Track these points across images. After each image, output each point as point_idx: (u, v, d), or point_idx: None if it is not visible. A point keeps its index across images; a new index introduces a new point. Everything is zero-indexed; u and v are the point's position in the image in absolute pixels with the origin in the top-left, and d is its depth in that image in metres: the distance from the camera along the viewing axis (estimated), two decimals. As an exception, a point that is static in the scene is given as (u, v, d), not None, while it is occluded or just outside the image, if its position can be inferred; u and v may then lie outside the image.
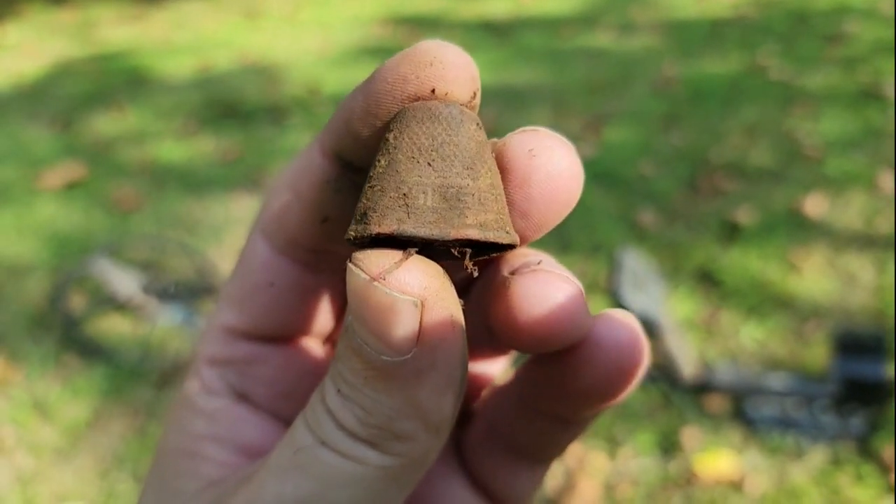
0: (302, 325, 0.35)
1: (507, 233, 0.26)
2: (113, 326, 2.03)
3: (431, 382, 0.26)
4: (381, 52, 4.19)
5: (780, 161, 2.50)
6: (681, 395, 1.60)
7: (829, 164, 2.43)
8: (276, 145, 3.10)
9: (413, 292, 0.24)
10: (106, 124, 3.45)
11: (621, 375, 0.29)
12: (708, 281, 1.95)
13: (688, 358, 1.63)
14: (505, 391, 0.35)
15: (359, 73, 3.79)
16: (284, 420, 0.36)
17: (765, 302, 1.85)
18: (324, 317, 0.36)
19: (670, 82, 3.25)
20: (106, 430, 1.72)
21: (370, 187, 0.26)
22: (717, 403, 1.57)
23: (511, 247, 0.27)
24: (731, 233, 2.14)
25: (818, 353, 1.67)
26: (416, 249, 0.25)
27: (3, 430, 1.73)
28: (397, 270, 0.24)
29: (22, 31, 5.35)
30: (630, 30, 4.04)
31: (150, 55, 4.45)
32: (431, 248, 0.26)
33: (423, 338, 0.25)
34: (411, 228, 0.25)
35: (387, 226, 0.25)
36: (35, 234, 2.53)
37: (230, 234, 2.42)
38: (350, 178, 0.31)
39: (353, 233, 0.26)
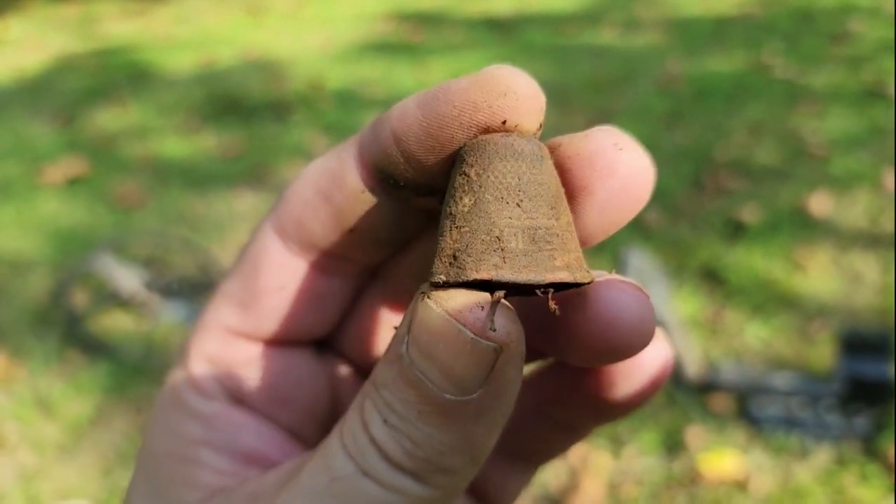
0: (307, 330, 0.34)
1: (588, 272, 0.26)
2: (116, 323, 2.03)
3: (489, 421, 0.26)
4: (385, 48, 4.18)
5: (785, 159, 2.49)
6: (685, 394, 1.60)
7: (834, 163, 2.42)
8: (280, 141, 3.09)
9: (497, 339, 0.24)
10: (108, 120, 3.45)
11: (649, 390, 0.30)
12: (712, 279, 1.95)
13: (692, 357, 1.63)
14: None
15: (362, 69, 3.80)
16: (281, 425, 0.35)
17: (769, 301, 1.84)
18: (329, 323, 0.35)
19: (675, 80, 3.24)
20: (109, 426, 1.71)
21: (457, 228, 0.25)
22: (721, 403, 1.57)
23: (588, 284, 0.27)
24: (736, 231, 2.13)
25: (823, 353, 1.66)
26: (504, 293, 0.24)
27: (6, 427, 1.73)
28: (484, 315, 0.24)
29: (24, 25, 5.34)
30: (634, 27, 4.03)
31: (153, 50, 4.44)
32: (514, 289, 0.26)
33: (492, 381, 0.25)
34: (509, 275, 0.25)
35: (485, 272, 0.25)
36: (37, 230, 2.52)
37: (233, 231, 2.41)
38: (388, 193, 0.30)
39: (443, 276, 0.25)
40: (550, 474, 1.46)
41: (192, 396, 0.34)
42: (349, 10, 4.98)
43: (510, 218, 0.25)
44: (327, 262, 0.32)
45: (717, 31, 3.81)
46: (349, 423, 0.27)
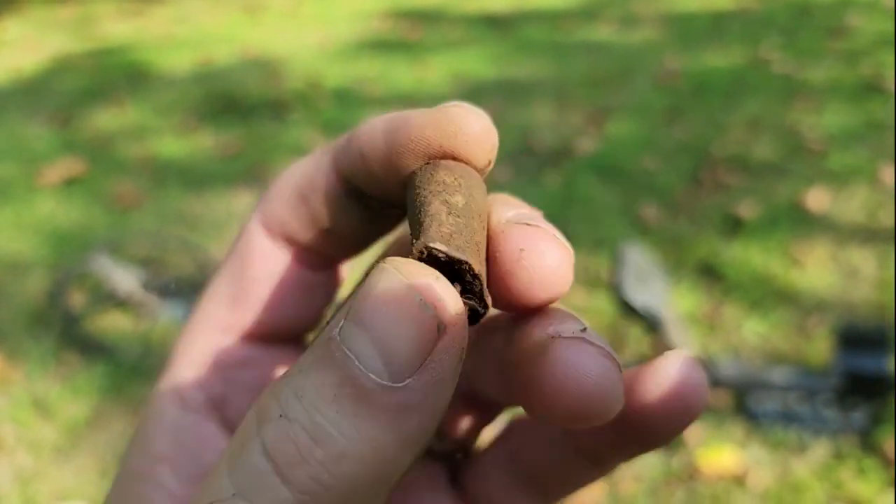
0: (297, 322, 0.34)
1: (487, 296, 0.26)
2: (113, 323, 2.03)
3: (407, 426, 0.23)
4: (384, 45, 4.18)
5: (783, 155, 2.49)
6: (683, 390, 1.59)
7: (831, 158, 2.42)
8: (278, 140, 3.09)
9: (444, 314, 0.22)
10: (106, 120, 3.45)
11: (681, 425, 0.27)
12: (710, 275, 1.95)
13: (690, 353, 1.63)
14: (535, 428, 0.32)
15: (360, 67, 3.80)
16: None
17: (767, 296, 1.84)
18: (313, 318, 0.35)
19: (672, 76, 3.24)
20: (106, 428, 1.71)
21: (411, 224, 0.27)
22: (719, 398, 1.57)
23: (484, 313, 0.26)
24: (734, 227, 2.13)
25: (821, 348, 1.66)
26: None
27: (2, 429, 1.73)
28: (437, 283, 0.23)
29: (21, 26, 5.34)
30: (632, 23, 4.02)
31: (150, 50, 4.44)
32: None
33: (426, 369, 0.22)
34: (454, 251, 0.24)
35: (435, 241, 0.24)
36: (34, 231, 2.52)
37: (231, 230, 2.41)
38: (356, 199, 0.31)
39: (440, 244, 0.25)
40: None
41: (170, 406, 0.32)
42: (347, 8, 4.97)
43: (447, 203, 0.26)
44: (312, 257, 0.33)
45: (715, 26, 3.80)
46: (239, 429, 0.23)
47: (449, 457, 0.36)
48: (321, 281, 0.34)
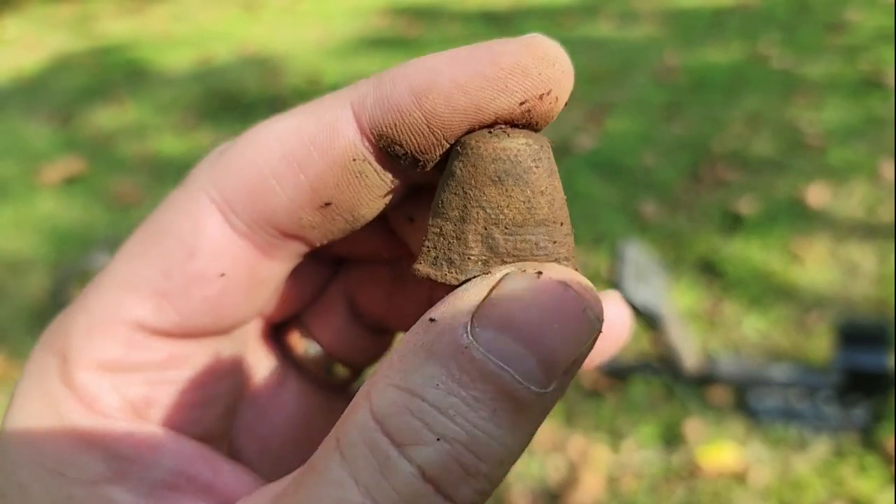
0: (238, 320, 0.29)
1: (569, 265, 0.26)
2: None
3: (542, 421, 0.22)
4: (382, 41, 4.17)
5: (783, 150, 2.48)
6: (683, 386, 1.60)
7: (831, 154, 2.41)
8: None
9: (602, 322, 0.22)
10: (105, 118, 3.44)
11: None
12: (710, 272, 1.95)
13: (690, 349, 1.63)
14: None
15: (359, 64, 3.79)
16: (197, 432, 0.29)
17: (767, 292, 1.84)
18: (262, 308, 0.31)
19: (672, 72, 3.23)
20: (109, 425, 1.72)
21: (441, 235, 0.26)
22: (719, 395, 1.57)
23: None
24: (734, 223, 2.13)
25: (821, 344, 1.66)
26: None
27: (6, 426, 1.73)
28: (596, 293, 0.23)
29: (21, 24, 5.33)
30: (631, 19, 4.01)
31: (150, 48, 4.43)
32: None
33: (569, 370, 0.22)
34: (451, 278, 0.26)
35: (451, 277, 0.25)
36: (35, 230, 2.52)
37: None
38: (385, 163, 0.26)
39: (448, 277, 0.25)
40: (550, 468, 1.46)
41: (84, 417, 0.26)
42: (345, 4, 4.96)
43: (485, 237, 0.25)
44: (276, 243, 0.28)
45: (715, 21, 3.79)
46: (363, 453, 0.21)
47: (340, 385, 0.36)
48: (276, 272, 0.29)
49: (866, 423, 1.45)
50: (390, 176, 0.27)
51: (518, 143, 0.24)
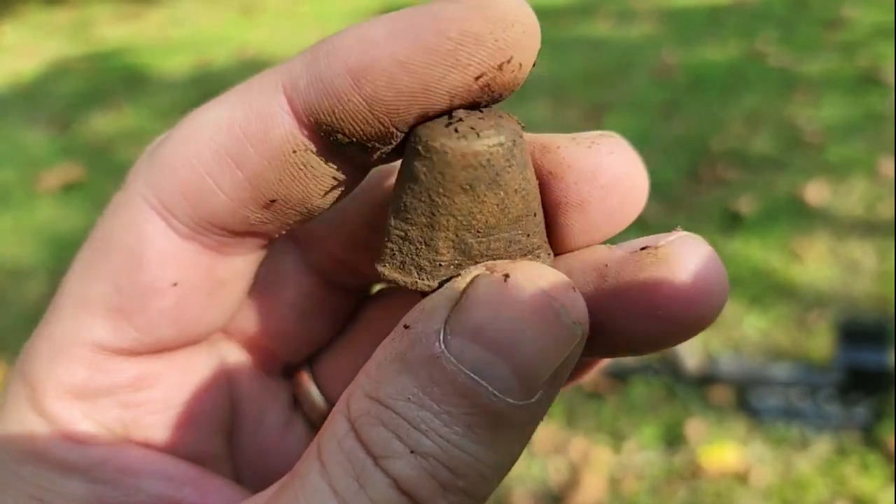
0: (206, 327, 0.27)
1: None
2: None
3: (532, 431, 0.21)
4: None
5: (781, 148, 2.48)
6: (684, 387, 1.60)
7: (830, 151, 2.41)
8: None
9: (585, 326, 0.20)
10: (104, 124, 3.44)
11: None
12: (710, 271, 1.94)
13: (691, 349, 1.63)
14: None
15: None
16: (182, 452, 0.28)
17: (767, 291, 1.84)
18: (230, 312, 0.29)
19: (670, 70, 3.23)
20: (109, 432, 1.72)
21: (407, 239, 0.23)
22: (721, 395, 1.57)
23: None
24: (733, 222, 2.13)
25: (822, 342, 1.66)
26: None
27: (7, 434, 1.73)
28: (574, 295, 0.21)
29: (18, 31, 5.33)
30: (629, 18, 4.01)
31: (148, 53, 4.43)
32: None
33: (554, 378, 0.21)
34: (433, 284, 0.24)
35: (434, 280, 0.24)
36: (34, 237, 2.53)
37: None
38: (328, 152, 0.23)
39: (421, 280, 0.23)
40: (551, 469, 1.46)
41: (58, 447, 0.25)
42: (343, 7, 4.97)
43: (456, 242, 0.23)
44: (227, 241, 0.26)
45: (712, 19, 3.79)
46: (340, 462, 0.21)
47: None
48: (240, 269, 0.27)
49: (868, 421, 1.45)
50: (338, 164, 0.24)
51: (489, 145, 0.21)
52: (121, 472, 0.26)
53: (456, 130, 0.22)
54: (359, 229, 0.28)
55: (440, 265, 0.23)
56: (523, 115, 0.27)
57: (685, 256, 0.22)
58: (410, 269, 0.23)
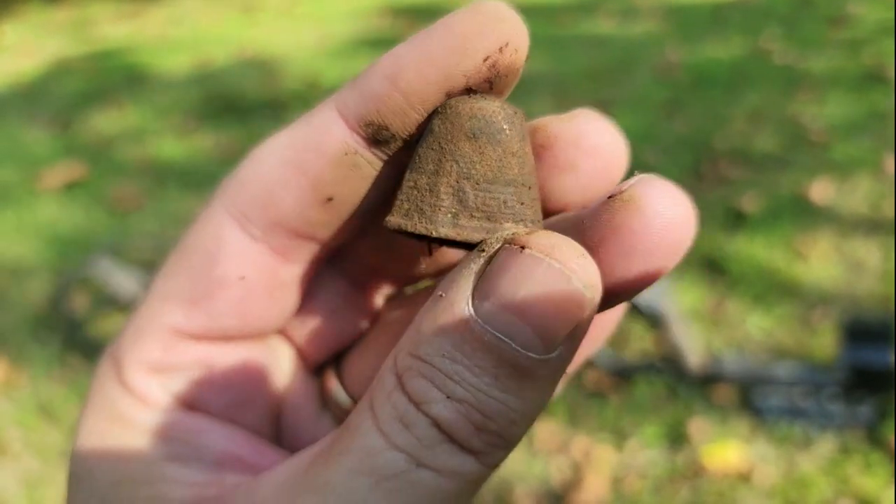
0: (266, 322, 0.32)
1: (530, 232, 0.27)
2: (116, 327, 2.03)
3: (557, 382, 0.25)
4: (380, 43, 4.17)
5: (785, 146, 2.48)
6: (687, 386, 1.59)
7: (834, 149, 2.41)
8: (277, 140, 3.09)
9: (597, 291, 0.24)
10: (105, 123, 3.45)
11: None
12: (714, 270, 1.94)
13: (694, 348, 1.63)
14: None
15: (358, 65, 3.78)
16: (243, 427, 0.33)
17: (771, 290, 1.84)
18: (288, 313, 0.33)
19: (673, 68, 3.23)
20: (111, 431, 1.72)
21: (417, 188, 0.27)
22: (724, 394, 1.57)
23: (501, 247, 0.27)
24: (737, 220, 2.13)
25: (825, 341, 1.66)
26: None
27: (8, 433, 1.74)
28: (585, 261, 0.24)
29: (19, 30, 5.34)
30: (631, 15, 4.01)
31: (148, 52, 4.44)
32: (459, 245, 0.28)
33: (572, 335, 0.24)
34: (452, 233, 0.27)
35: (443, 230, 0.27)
36: (36, 235, 2.53)
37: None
38: (374, 150, 0.29)
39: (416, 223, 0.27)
40: (553, 468, 1.46)
41: (138, 411, 0.31)
42: (343, 6, 4.97)
43: (457, 189, 0.27)
44: (291, 244, 0.31)
45: (715, 16, 3.79)
46: (388, 410, 0.25)
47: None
48: (298, 273, 0.32)
49: (872, 420, 1.45)
50: (381, 164, 0.29)
51: (494, 105, 0.27)
52: (190, 431, 0.31)
53: (468, 95, 0.27)
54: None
55: (439, 209, 0.26)
56: (526, 111, 0.29)
57: (649, 192, 0.25)
58: (412, 215, 0.27)
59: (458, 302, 0.24)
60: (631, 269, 0.25)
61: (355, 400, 0.35)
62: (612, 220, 0.25)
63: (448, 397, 0.24)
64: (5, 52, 4.83)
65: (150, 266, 2.23)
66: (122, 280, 2.08)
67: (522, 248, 0.24)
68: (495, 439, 0.25)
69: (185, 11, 5.33)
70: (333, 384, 0.36)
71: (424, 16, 4.58)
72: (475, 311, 0.24)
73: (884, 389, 1.47)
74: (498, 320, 0.23)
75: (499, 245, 0.25)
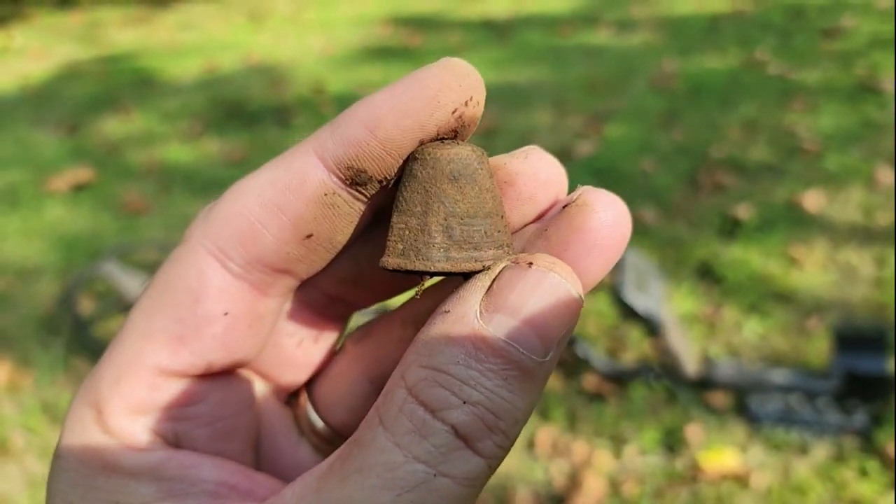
0: (246, 354, 0.33)
1: (504, 259, 0.30)
2: (122, 329, 2.04)
3: (545, 384, 0.28)
4: (385, 51, 4.20)
5: (780, 156, 2.50)
6: (684, 391, 1.61)
7: (827, 159, 2.43)
8: (282, 146, 3.11)
9: (581, 292, 0.28)
10: (113, 127, 3.47)
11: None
12: (709, 277, 1.96)
13: (690, 354, 1.64)
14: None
15: (362, 73, 3.82)
16: (229, 458, 0.33)
17: (766, 297, 1.86)
18: (263, 344, 0.34)
19: (669, 79, 3.25)
20: (118, 431, 1.73)
21: (407, 228, 0.30)
22: (720, 399, 1.58)
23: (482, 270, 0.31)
24: (732, 228, 2.15)
25: (820, 348, 1.67)
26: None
27: (12, 435, 1.73)
28: (575, 276, 0.28)
29: (28, 34, 5.36)
30: (629, 27, 4.04)
31: (156, 57, 4.46)
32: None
33: (564, 339, 0.28)
34: (441, 266, 0.30)
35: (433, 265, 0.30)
36: (43, 238, 2.54)
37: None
38: (351, 191, 0.31)
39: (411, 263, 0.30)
40: (552, 472, 1.47)
41: (124, 456, 0.30)
42: (348, 14, 5.00)
43: (445, 227, 0.30)
44: (268, 279, 0.32)
45: (711, 28, 3.82)
46: (402, 423, 0.26)
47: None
48: (274, 306, 0.34)
49: (866, 426, 1.46)
50: (357, 203, 0.31)
51: (466, 150, 0.30)
52: (182, 467, 0.31)
53: (441, 143, 0.30)
54: (346, 266, 0.35)
55: (433, 246, 0.29)
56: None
57: (596, 198, 0.30)
58: (409, 254, 0.30)
59: (468, 315, 0.27)
60: (594, 263, 0.29)
61: (330, 425, 0.37)
62: (572, 223, 0.29)
63: (465, 402, 0.26)
64: (15, 55, 4.85)
65: (156, 269, 2.25)
66: (128, 282, 2.10)
67: (530, 264, 0.27)
68: (502, 439, 0.27)
69: (193, 18, 5.35)
70: (306, 408, 0.38)
71: (427, 25, 4.61)
72: (486, 321, 0.26)
73: (878, 396, 1.47)
74: (507, 327, 0.26)
75: (503, 265, 0.28)
